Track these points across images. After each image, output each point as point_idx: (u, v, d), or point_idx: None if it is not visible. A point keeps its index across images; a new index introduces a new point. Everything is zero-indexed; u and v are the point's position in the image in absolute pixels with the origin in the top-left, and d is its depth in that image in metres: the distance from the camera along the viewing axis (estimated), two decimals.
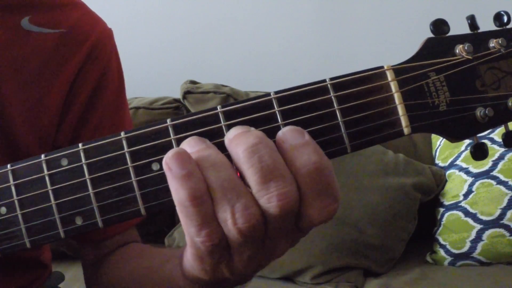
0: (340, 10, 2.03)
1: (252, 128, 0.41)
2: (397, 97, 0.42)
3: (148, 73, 2.06)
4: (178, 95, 1.81)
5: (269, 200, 0.39)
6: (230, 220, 0.39)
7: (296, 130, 0.41)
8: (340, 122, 0.42)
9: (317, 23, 2.05)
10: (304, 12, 2.04)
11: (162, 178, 0.42)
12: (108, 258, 0.75)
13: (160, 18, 2.12)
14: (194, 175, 0.39)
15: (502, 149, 1.53)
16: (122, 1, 2.11)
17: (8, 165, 0.45)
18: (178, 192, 0.39)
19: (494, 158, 1.54)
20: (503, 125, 0.45)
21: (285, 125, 0.41)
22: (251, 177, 0.39)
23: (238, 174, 0.41)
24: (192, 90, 1.77)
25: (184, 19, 2.10)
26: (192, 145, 0.40)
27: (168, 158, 0.39)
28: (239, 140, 0.39)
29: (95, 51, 0.73)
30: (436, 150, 1.71)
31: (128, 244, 0.76)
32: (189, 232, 0.40)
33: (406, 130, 0.42)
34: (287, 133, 0.40)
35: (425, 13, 1.85)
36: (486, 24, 0.46)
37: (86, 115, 0.74)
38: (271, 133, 0.41)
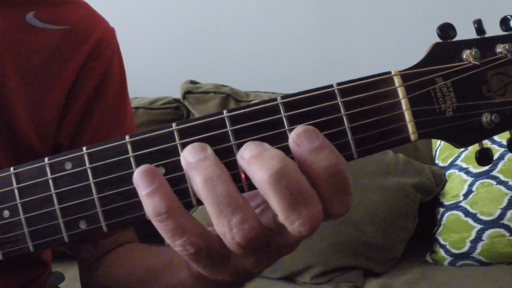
0: (342, 9, 2.02)
1: (266, 144, 0.40)
2: (404, 103, 0.42)
3: (148, 73, 2.06)
4: (178, 95, 1.81)
5: (302, 225, 0.38)
6: (228, 235, 0.39)
7: (310, 131, 0.40)
8: (347, 128, 0.42)
9: (318, 23, 2.05)
10: (305, 12, 2.04)
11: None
12: (105, 258, 0.75)
13: (160, 18, 2.11)
14: (158, 192, 0.39)
15: (502, 149, 1.54)
16: (122, 1, 2.11)
17: (11, 168, 0.44)
18: (146, 208, 0.40)
19: (494, 158, 1.54)
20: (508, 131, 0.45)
21: (292, 130, 0.41)
22: (278, 204, 0.38)
23: (243, 174, 0.41)
24: (192, 90, 1.77)
25: (184, 19, 2.10)
26: (191, 154, 0.40)
27: (134, 175, 0.40)
28: (260, 164, 0.38)
29: (98, 49, 0.74)
30: (436, 150, 1.71)
31: (126, 244, 0.76)
32: (167, 242, 0.41)
33: (413, 136, 0.42)
34: (302, 135, 0.39)
35: (431, 17, 1.85)
36: (493, 29, 0.45)
37: (88, 112, 0.74)
38: (278, 138, 0.41)
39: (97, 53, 0.74)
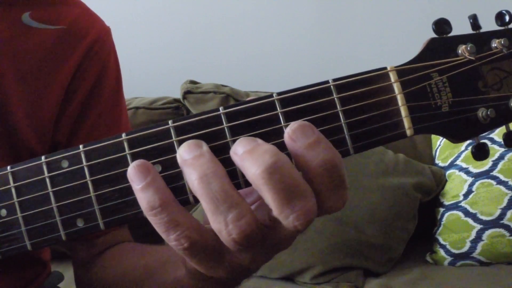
0: (341, 9, 2.03)
1: (259, 140, 0.40)
2: (400, 99, 0.42)
3: (148, 73, 2.06)
4: (178, 95, 1.81)
5: (297, 219, 0.38)
6: (224, 231, 0.39)
7: (305, 126, 0.40)
8: (343, 124, 0.42)
9: (317, 23, 2.05)
10: (304, 12, 2.04)
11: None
12: (100, 257, 0.75)
13: (160, 18, 2.11)
14: (152, 186, 0.40)
15: (502, 149, 1.54)
16: (122, 1, 2.11)
17: (8, 167, 0.44)
18: (140, 202, 0.40)
19: (494, 158, 1.54)
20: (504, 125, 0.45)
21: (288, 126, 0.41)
22: (272, 198, 0.38)
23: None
24: (192, 90, 1.77)
25: (184, 19, 2.10)
26: (187, 151, 0.40)
27: (129, 170, 0.40)
28: (253, 159, 0.38)
29: (94, 48, 0.74)
30: (436, 150, 1.71)
31: (121, 243, 0.77)
32: (162, 237, 0.41)
33: (409, 132, 0.42)
34: (297, 131, 0.39)
35: (426, 12, 1.85)
36: (489, 23, 0.45)
37: (84, 111, 0.74)
38: (274, 135, 0.41)
39: (93, 52, 0.74)
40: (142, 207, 0.40)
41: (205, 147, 0.40)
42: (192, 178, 0.39)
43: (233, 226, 0.38)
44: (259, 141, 0.39)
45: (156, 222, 0.40)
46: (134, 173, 0.40)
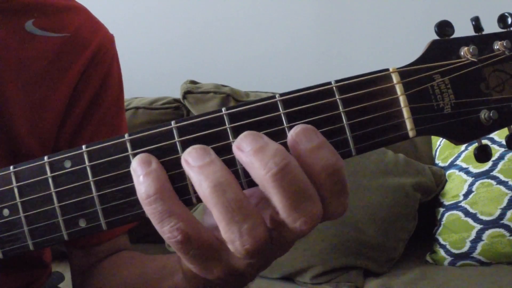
0: (342, 9, 2.03)
1: (265, 136, 0.39)
2: (402, 100, 0.42)
3: (148, 73, 2.06)
4: (178, 95, 1.81)
5: (304, 223, 0.38)
6: (238, 241, 0.38)
7: (309, 130, 0.39)
8: (345, 125, 0.42)
9: (318, 23, 2.05)
10: (305, 12, 2.04)
11: None
12: (98, 266, 0.74)
13: (160, 18, 2.12)
14: (152, 175, 0.40)
15: (502, 149, 1.54)
16: (122, 1, 2.11)
17: (11, 167, 0.44)
18: (138, 193, 0.40)
19: (494, 158, 1.54)
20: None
21: (291, 127, 0.41)
22: (281, 202, 0.38)
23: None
24: (192, 90, 1.77)
25: (184, 19, 2.10)
26: (195, 159, 0.39)
27: (133, 162, 0.41)
28: (264, 161, 0.37)
29: (98, 56, 0.74)
30: (436, 150, 1.71)
31: (119, 252, 0.76)
32: (157, 229, 0.41)
33: (411, 133, 0.42)
34: (301, 134, 0.39)
35: (429, 14, 1.86)
36: (491, 26, 0.46)
37: (86, 118, 0.74)
38: (277, 136, 0.41)
39: (96, 60, 0.74)
40: (140, 197, 0.40)
41: (213, 153, 0.39)
42: (204, 185, 0.38)
43: (247, 236, 0.38)
44: (265, 138, 0.39)
45: (151, 212, 0.39)
46: (137, 164, 0.40)
